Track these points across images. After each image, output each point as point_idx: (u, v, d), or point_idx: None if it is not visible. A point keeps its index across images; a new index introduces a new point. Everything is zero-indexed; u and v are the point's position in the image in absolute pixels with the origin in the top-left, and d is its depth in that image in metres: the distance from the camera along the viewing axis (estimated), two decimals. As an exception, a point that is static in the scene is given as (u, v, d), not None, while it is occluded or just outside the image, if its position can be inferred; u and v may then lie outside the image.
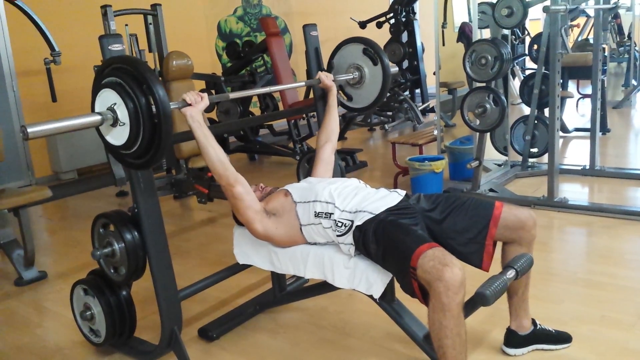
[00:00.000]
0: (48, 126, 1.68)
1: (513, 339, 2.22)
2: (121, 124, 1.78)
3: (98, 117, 1.78)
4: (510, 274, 1.83)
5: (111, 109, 1.78)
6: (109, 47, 2.03)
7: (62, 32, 5.18)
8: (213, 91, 6.06)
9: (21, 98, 5.79)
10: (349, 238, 2.02)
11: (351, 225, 2.02)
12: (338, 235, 2.06)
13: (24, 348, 2.63)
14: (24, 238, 3.35)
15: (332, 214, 2.09)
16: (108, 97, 1.79)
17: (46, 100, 5.09)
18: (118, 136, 1.82)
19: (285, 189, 2.29)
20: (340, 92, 2.82)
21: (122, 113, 1.76)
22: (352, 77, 2.78)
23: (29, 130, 1.62)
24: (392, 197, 2.12)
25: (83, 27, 5.83)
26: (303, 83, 2.81)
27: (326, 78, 2.67)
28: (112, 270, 2.27)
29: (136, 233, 2.16)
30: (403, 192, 2.18)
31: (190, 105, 2.01)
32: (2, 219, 3.52)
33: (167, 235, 2.23)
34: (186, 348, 2.26)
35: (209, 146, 2.02)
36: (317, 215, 2.12)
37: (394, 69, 2.83)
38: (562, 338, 2.24)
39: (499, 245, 2.10)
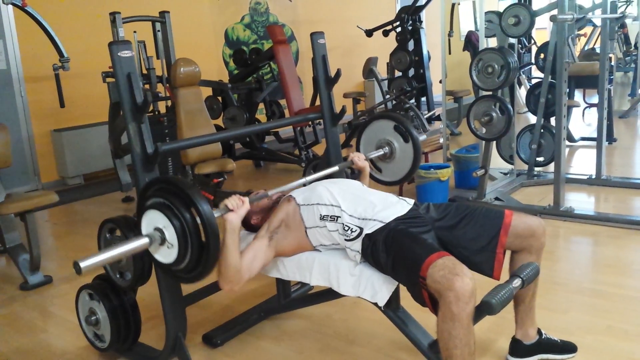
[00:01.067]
0: (100, 258, 1.67)
1: (518, 349, 2.21)
2: (169, 243, 1.80)
3: (146, 240, 1.81)
4: (516, 282, 1.82)
5: (158, 229, 1.80)
6: (119, 54, 2.04)
7: (71, 39, 5.23)
8: (220, 98, 6.09)
9: (29, 103, 5.84)
10: (357, 245, 2.02)
11: (360, 232, 2.02)
12: (346, 240, 2.06)
13: (28, 352, 2.63)
14: (30, 242, 3.37)
15: (339, 217, 2.08)
16: (154, 218, 1.82)
17: (54, 105, 5.13)
18: (167, 254, 1.84)
19: (289, 195, 2.29)
20: (370, 165, 2.75)
21: (170, 233, 1.78)
22: (382, 152, 2.74)
23: (82, 265, 1.62)
24: (401, 205, 2.12)
25: (92, 33, 5.89)
26: (337, 167, 2.59)
27: (359, 160, 2.61)
28: (117, 276, 2.27)
29: (142, 238, 2.16)
30: (412, 201, 2.18)
31: (232, 210, 1.97)
32: (8, 224, 3.54)
33: (172, 240, 2.23)
34: (190, 354, 2.26)
35: (232, 254, 1.97)
36: (322, 218, 2.12)
37: (422, 137, 2.80)
38: (567, 348, 2.22)
39: (507, 253, 2.09)
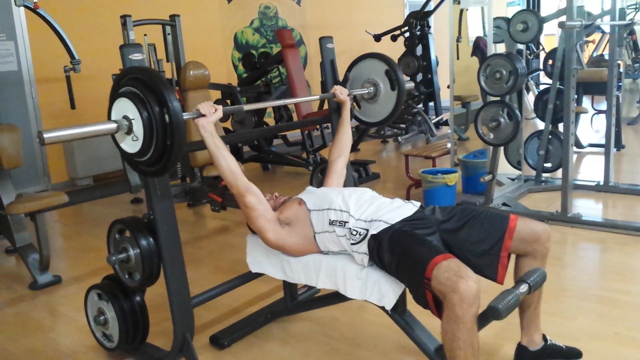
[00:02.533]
0: (64, 132, 1.73)
1: (524, 355, 2.20)
2: (135, 133, 1.82)
3: (114, 125, 1.83)
4: (523, 288, 1.82)
5: (126, 118, 1.82)
6: (130, 57, 2.06)
7: (82, 41, 5.26)
8: (229, 101, 6.11)
9: (40, 105, 5.89)
10: (363, 247, 2.03)
11: (366, 234, 2.03)
12: (352, 244, 2.07)
13: (37, 352, 2.65)
14: (40, 242, 3.40)
15: (347, 222, 2.10)
16: (124, 106, 1.83)
17: (65, 107, 5.16)
18: (132, 144, 1.86)
19: (299, 197, 2.30)
20: (352, 102, 2.83)
21: (137, 121, 1.81)
22: (367, 92, 2.79)
23: (45, 135, 1.67)
24: (407, 208, 2.13)
25: (102, 36, 5.92)
26: (317, 97, 2.78)
27: (340, 93, 2.68)
28: (126, 276, 2.29)
29: (151, 239, 2.18)
30: (418, 204, 2.19)
31: (204, 116, 2.05)
32: (19, 223, 3.57)
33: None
34: (197, 355, 2.28)
35: (220, 156, 2.07)
36: (331, 223, 2.14)
37: (409, 84, 2.83)
38: (572, 354, 2.22)
39: (512, 258, 2.10)
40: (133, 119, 1.81)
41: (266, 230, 2.17)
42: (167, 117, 1.77)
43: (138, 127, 1.81)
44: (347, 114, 2.70)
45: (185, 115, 1.89)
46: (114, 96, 1.88)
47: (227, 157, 2.09)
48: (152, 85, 1.79)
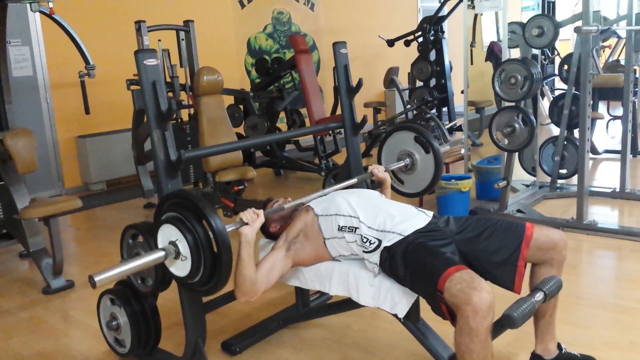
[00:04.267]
0: (114, 272, 1.71)
1: (539, 364, 2.17)
2: (183, 257, 1.84)
3: (162, 254, 1.84)
4: (539, 296, 1.80)
5: (173, 243, 1.84)
6: (144, 62, 2.07)
7: (97, 47, 5.30)
8: (241, 106, 6.13)
9: (55, 110, 5.94)
10: (375, 257, 2.02)
11: (378, 245, 2.01)
12: (364, 252, 2.05)
13: (49, 356, 2.66)
14: (53, 247, 3.41)
15: (357, 228, 2.08)
16: (169, 232, 1.85)
17: (79, 112, 5.19)
18: (181, 268, 1.88)
19: (307, 205, 2.30)
20: (391, 176, 2.75)
21: (183, 247, 1.82)
22: (403, 164, 2.74)
23: (97, 279, 1.65)
24: (420, 218, 2.11)
25: (117, 41, 5.97)
26: (355, 179, 2.54)
27: (379, 171, 2.60)
28: (139, 281, 2.29)
29: (164, 245, 2.17)
30: (431, 213, 2.17)
31: (246, 224, 2.00)
32: (32, 228, 3.59)
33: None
34: (209, 361, 2.27)
35: (248, 266, 1.99)
36: (340, 229, 2.12)
37: (444, 147, 2.79)
38: (587, 362, 2.19)
39: (528, 266, 2.07)
40: (179, 244, 1.83)
41: (285, 272, 2.20)
42: (211, 234, 1.79)
43: (184, 250, 1.83)
44: (388, 193, 2.62)
45: (229, 228, 1.88)
46: (157, 224, 1.91)
47: (253, 268, 2.01)
48: (194, 208, 1.82)
